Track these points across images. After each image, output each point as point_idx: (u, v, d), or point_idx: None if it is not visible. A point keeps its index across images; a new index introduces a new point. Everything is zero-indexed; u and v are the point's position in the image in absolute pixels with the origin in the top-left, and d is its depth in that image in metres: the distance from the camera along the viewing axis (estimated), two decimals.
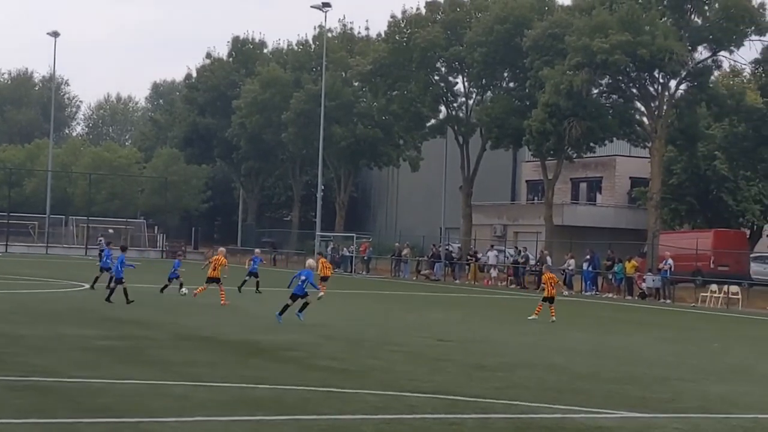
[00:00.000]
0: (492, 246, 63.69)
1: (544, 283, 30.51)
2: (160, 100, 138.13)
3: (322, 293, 30.59)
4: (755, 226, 64.54)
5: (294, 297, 24.48)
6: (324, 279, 36.18)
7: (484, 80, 66.63)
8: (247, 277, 36.46)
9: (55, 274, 44.35)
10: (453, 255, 63.96)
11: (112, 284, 29.33)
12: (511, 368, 18.32)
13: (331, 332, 23.58)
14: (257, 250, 42.95)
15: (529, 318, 29.21)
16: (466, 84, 69.14)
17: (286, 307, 24.47)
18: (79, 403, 12.66)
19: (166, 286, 32.74)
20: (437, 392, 14.79)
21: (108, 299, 28.59)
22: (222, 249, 33.47)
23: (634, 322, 28.30)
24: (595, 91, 58.40)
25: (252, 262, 38.26)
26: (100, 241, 67.57)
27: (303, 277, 24.45)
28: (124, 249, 32.04)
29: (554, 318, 29.18)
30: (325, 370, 16.96)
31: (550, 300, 29.54)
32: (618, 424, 13.01)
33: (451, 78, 69.94)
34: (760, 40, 55.41)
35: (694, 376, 18.68)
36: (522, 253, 58.10)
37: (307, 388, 14.62)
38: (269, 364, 17.33)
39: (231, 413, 12.41)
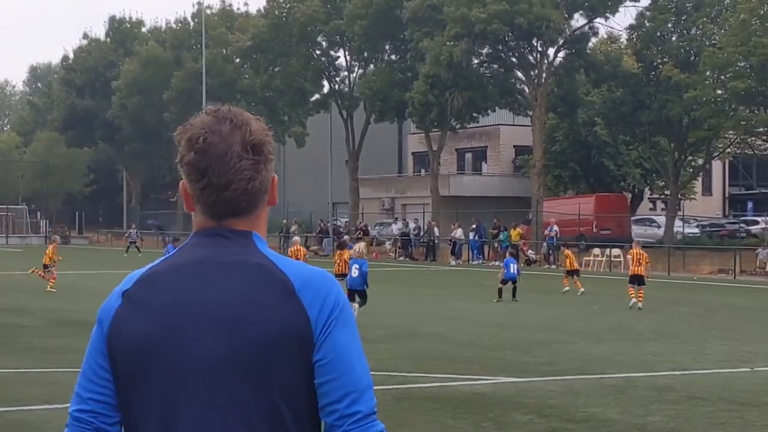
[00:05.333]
0: (396, 219, 64.10)
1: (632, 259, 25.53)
2: (38, 84, 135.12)
3: None
4: (636, 190, 65.85)
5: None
6: None
7: (365, 53, 66.50)
8: None
9: None
10: (341, 230, 63.95)
11: None
12: (394, 339, 18.31)
13: None
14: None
15: (631, 305, 25.30)
16: (347, 58, 68.90)
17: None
18: None
19: None
20: None
21: None
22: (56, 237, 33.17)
23: (521, 289, 28.48)
24: (476, 61, 58.76)
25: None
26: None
27: None
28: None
29: (641, 305, 25.10)
30: None
31: (639, 280, 25.43)
32: (494, 389, 13.07)
33: (332, 52, 69.58)
34: (634, 6, 56.72)
35: (574, 338, 18.91)
36: (411, 225, 58.41)
37: None
38: None
39: None
